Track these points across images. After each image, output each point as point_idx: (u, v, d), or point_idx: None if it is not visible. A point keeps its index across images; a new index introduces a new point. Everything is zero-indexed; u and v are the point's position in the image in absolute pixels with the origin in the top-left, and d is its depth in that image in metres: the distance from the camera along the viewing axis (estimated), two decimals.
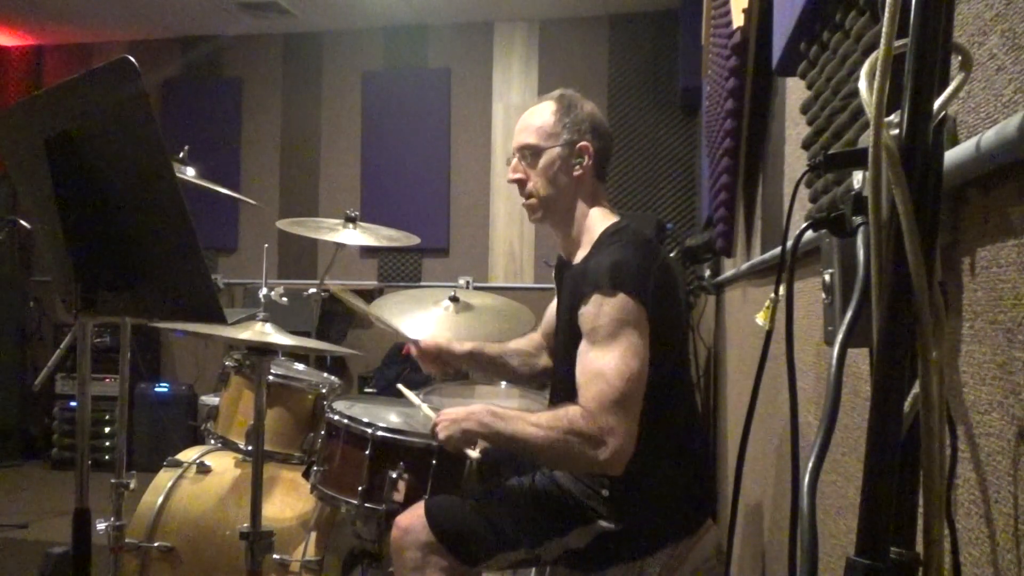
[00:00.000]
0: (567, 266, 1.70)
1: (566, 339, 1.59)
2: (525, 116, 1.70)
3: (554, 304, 1.92)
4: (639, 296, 1.45)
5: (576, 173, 1.64)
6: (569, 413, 1.42)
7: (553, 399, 1.76)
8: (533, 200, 1.67)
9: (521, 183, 1.68)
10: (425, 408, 1.79)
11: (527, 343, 2.00)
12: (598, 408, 1.39)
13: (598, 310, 1.45)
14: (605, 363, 1.42)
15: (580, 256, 1.63)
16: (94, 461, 4.63)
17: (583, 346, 1.48)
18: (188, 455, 2.33)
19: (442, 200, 5.19)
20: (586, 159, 1.64)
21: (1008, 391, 0.60)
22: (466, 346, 1.95)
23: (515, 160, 1.69)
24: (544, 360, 1.98)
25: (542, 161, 1.65)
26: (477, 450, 1.56)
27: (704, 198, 3.55)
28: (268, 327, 1.81)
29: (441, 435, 1.55)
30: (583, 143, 1.64)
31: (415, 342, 1.96)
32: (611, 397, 1.40)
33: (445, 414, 1.58)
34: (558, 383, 1.73)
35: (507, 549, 1.52)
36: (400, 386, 1.96)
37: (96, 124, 1.23)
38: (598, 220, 1.64)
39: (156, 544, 2.12)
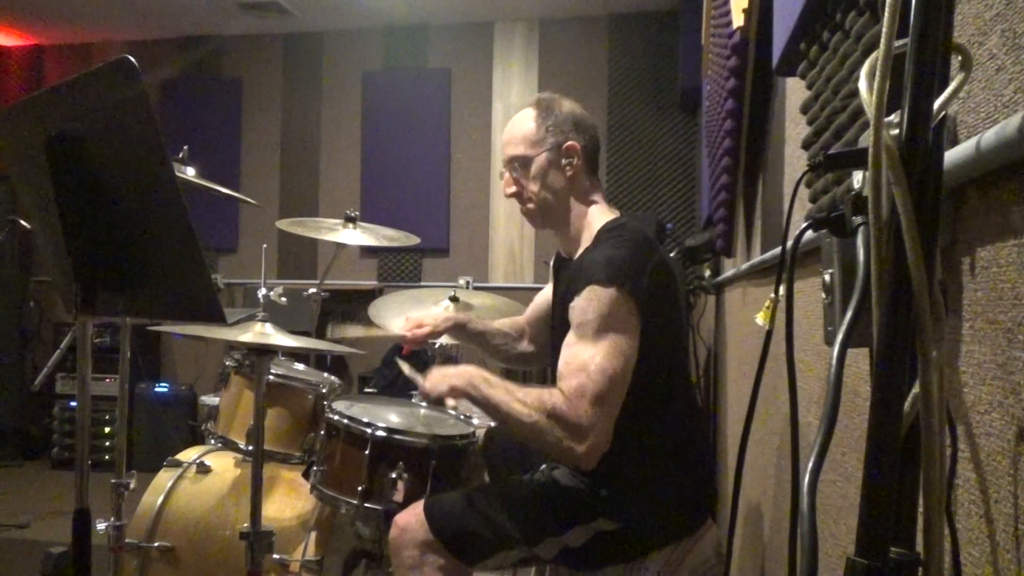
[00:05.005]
0: (566, 263, 1.70)
1: (562, 333, 1.59)
2: (508, 128, 1.71)
3: (543, 293, 1.93)
4: (632, 293, 1.45)
5: (568, 173, 1.65)
6: (553, 397, 1.41)
7: None
8: (531, 207, 1.68)
9: (518, 195, 1.69)
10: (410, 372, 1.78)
11: (511, 325, 2.01)
12: (579, 400, 1.39)
13: (588, 304, 1.45)
14: (589, 358, 1.42)
15: (579, 253, 1.63)
16: (94, 461, 4.63)
17: (570, 336, 1.48)
18: (188, 455, 2.33)
19: (442, 200, 5.19)
20: (575, 158, 1.64)
21: (1008, 391, 0.60)
22: (449, 320, 1.94)
23: (507, 174, 1.70)
24: (523, 346, 1.99)
25: (533, 169, 1.65)
26: (454, 402, 1.56)
27: (704, 198, 3.55)
28: (268, 327, 1.81)
29: (428, 384, 1.55)
30: (569, 142, 1.64)
31: (403, 339, 1.96)
32: (591, 392, 1.39)
33: (435, 371, 1.58)
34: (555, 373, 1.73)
35: (505, 548, 1.52)
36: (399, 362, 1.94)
37: (96, 124, 1.23)
38: (596, 217, 1.65)
39: (156, 544, 2.12)
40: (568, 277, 1.60)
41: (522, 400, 1.44)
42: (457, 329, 1.95)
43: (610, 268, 1.46)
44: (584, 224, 1.65)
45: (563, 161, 1.65)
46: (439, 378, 1.55)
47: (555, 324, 1.69)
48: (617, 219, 1.63)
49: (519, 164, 1.67)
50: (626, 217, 1.66)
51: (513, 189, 1.69)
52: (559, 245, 1.75)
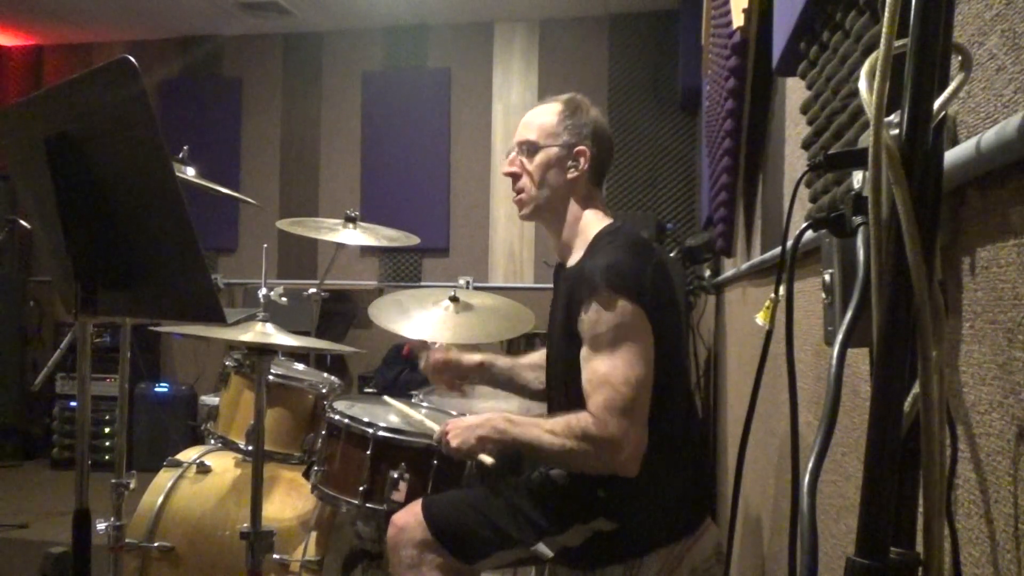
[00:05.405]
0: (562, 268, 1.70)
1: (560, 339, 1.60)
2: (530, 113, 1.72)
3: None
4: (637, 298, 1.46)
5: (570, 175, 1.65)
6: (581, 421, 1.43)
7: (549, 399, 1.76)
8: (524, 196, 1.69)
9: (515, 177, 1.69)
10: (426, 420, 1.79)
11: (539, 357, 1.94)
12: (608, 415, 1.41)
13: (598, 316, 1.46)
14: (610, 370, 1.43)
15: (575, 259, 1.63)
16: (94, 461, 4.63)
17: (586, 352, 1.48)
18: (188, 455, 2.33)
19: (442, 200, 5.19)
20: (582, 162, 1.65)
21: (1008, 391, 0.60)
22: (476, 358, 1.91)
23: (513, 154, 1.71)
24: None
25: (538, 158, 1.66)
26: (490, 457, 1.56)
27: (704, 198, 3.55)
28: (268, 327, 1.81)
29: (454, 443, 1.56)
30: (581, 147, 1.64)
31: (420, 345, 1.95)
32: (619, 404, 1.41)
33: (456, 422, 1.59)
34: (552, 381, 1.73)
35: (504, 547, 1.52)
36: (387, 398, 1.96)
37: (96, 124, 1.23)
38: (592, 222, 1.65)
39: (156, 544, 2.12)
40: (567, 284, 1.60)
41: (551, 430, 1.46)
42: (484, 369, 1.91)
43: (611, 275, 1.46)
44: (579, 229, 1.65)
45: (569, 162, 1.65)
46: (463, 431, 1.55)
47: (553, 331, 1.68)
48: (612, 224, 1.64)
49: (527, 148, 1.68)
50: (621, 221, 1.67)
51: (514, 170, 1.69)
52: (553, 247, 1.74)
